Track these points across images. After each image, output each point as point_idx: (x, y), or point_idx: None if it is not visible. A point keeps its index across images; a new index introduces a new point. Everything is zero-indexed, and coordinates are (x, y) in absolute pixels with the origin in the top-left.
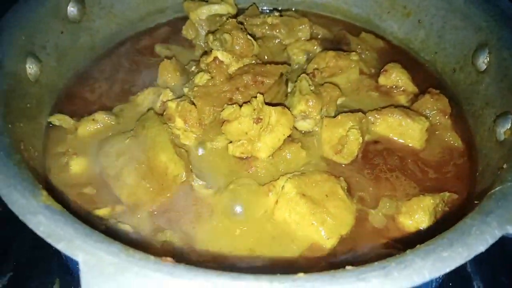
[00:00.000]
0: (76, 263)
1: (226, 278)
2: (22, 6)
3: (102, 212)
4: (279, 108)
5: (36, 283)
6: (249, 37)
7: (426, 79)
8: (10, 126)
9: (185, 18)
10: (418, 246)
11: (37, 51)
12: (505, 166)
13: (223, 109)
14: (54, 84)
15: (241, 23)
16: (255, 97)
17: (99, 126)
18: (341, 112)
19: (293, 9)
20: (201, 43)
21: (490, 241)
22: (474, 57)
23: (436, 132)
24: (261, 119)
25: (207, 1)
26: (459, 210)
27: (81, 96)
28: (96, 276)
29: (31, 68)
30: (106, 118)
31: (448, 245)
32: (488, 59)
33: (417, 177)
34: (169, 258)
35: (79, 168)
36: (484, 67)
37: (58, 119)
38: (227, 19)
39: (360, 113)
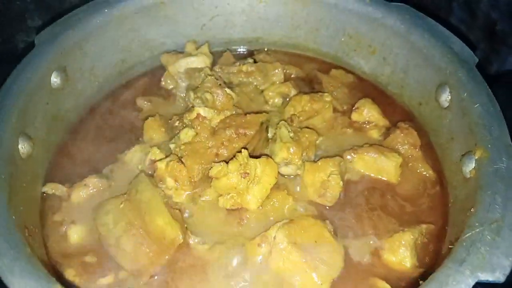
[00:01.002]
0: None
1: None
2: (11, 87)
3: (106, 280)
4: (263, 159)
5: None
6: (228, 91)
7: (396, 111)
8: (14, 216)
9: (161, 68)
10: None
11: (27, 129)
12: (472, 210)
13: (212, 167)
14: (45, 155)
15: (219, 77)
16: (240, 151)
17: (91, 191)
18: (321, 156)
19: (265, 49)
20: (181, 94)
21: None
22: (437, 94)
23: (409, 165)
24: (248, 173)
25: (182, 52)
26: (437, 240)
27: (71, 159)
28: None
29: (23, 147)
30: (97, 181)
31: None
32: (450, 97)
33: (396, 212)
34: None
35: (78, 237)
36: (446, 104)
37: (52, 188)
38: (206, 76)
39: (338, 158)
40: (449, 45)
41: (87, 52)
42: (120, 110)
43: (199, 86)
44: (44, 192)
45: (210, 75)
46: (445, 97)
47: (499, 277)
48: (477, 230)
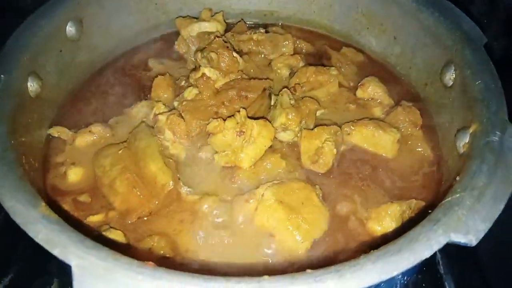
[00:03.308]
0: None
1: (199, 280)
2: (24, 30)
3: (96, 218)
4: (261, 121)
5: (36, 283)
6: (234, 54)
7: (402, 91)
8: (13, 142)
9: (177, 33)
10: (371, 251)
11: (38, 70)
12: (457, 178)
13: (209, 123)
14: (54, 99)
15: (228, 41)
16: (239, 111)
17: (95, 138)
18: (319, 125)
19: (279, 24)
20: (192, 58)
21: (435, 247)
22: (442, 73)
23: (408, 143)
24: (244, 131)
25: (197, 18)
26: (425, 217)
27: (79, 109)
28: (86, 277)
29: (32, 86)
30: (102, 130)
31: (396, 250)
32: (454, 76)
33: (387, 186)
34: (150, 262)
35: (76, 177)
36: (450, 83)
37: (57, 131)
38: (215, 37)
39: (335, 126)
40: (459, 24)
41: (104, 7)
42: (132, 69)
43: (206, 47)
44: (49, 134)
45: (218, 37)
46: (449, 76)
47: (471, 239)
48: (458, 195)
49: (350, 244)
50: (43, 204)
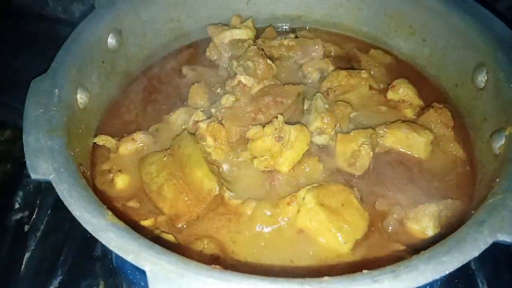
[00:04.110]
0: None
1: (266, 282)
2: (72, 44)
3: (147, 223)
4: (297, 126)
5: (84, 285)
6: (268, 61)
7: (431, 92)
8: (72, 153)
9: (207, 40)
10: (422, 252)
11: (85, 82)
12: (497, 180)
13: (248, 129)
14: (98, 108)
15: (261, 48)
16: (276, 117)
17: (138, 145)
18: (354, 128)
19: (307, 28)
20: (224, 64)
21: (483, 247)
22: (474, 75)
23: (440, 144)
24: (282, 137)
25: (228, 25)
26: (461, 216)
27: (120, 117)
28: (160, 282)
29: (81, 98)
30: (144, 137)
31: (446, 251)
32: (486, 78)
33: (423, 186)
34: (218, 266)
35: (123, 184)
36: (482, 85)
37: (103, 140)
38: (249, 45)
39: (370, 130)
40: (490, 26)
41: (141, 17)
42: (167, 76)
43: (242, 55)
44: (95, 143)
45: (252, 45)
46: (482, 78)
47: None
48: (500, 196)
49: (390, 244)
50: (110, 213)
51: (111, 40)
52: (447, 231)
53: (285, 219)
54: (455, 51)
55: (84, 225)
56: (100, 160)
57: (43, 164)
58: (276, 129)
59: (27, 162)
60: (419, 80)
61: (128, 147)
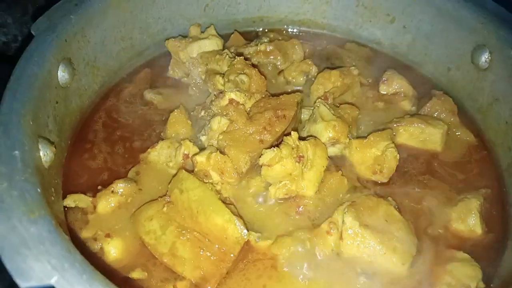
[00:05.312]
0: None
1: None
2: (18, 85)
3: None
4: (311, 140)
5: None
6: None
7: (418, 80)
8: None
9: (165, 56)
10: None
11: (43, 132)
12: None
13: (262, 154)
14: (60, 162)
15: (248, 58)
16: (288, 134)
17: (120, 198)
18: (363, 132)
19: (266, 30)
20: (196, 82)
21: None
22: (473, 57)
23: (449, 132)
24: (303, 156)
25: (186, 37)
26: (497, 204)
27: (85, 166)
28: None
29: (46, 154)
30: (125, 186)
31: None
32: (490, 58)
33: (449, 181)
34: None
35: (118, 252)
36: (486, 65)
37: (74, 200)
38: (233, 57)
39: (389, 130)
40: (482, 5)
41: (90, 40)
42: (128, 106)
43: (228, 69)
44: (65, 207)
45: (236, 56)
46: (485, 58)
47: None
48: None
49: (444, 252)
50: None
51: (62, 74)
52: (493, 226)
53: (329, 250)
54: (444, 34)
55: None
56: (78, 226)
57: (35, 264)
58: (293, 148)
59: (7, 267)
60: (402, 69)
61: (108, 203)
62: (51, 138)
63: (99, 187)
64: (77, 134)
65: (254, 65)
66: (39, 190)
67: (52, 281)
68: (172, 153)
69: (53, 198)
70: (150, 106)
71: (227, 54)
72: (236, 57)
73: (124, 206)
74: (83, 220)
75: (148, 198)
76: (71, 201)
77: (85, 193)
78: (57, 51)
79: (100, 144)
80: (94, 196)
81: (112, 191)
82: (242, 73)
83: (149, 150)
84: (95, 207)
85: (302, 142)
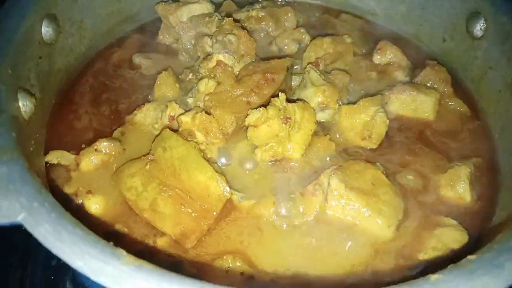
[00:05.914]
0: None
1: None
2: None
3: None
4: (300, 103)
5: None
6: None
7: (413, 51)
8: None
9: (154, 22)
10: None
11: (24, 84)
12: None
13: (248, 115)
14: (43, 118)
15: (237, 20)
16: (276, 95)
17: (104, 156)
18: (352, 99)
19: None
20: (186, 46)
21: None
22: (468, 26)
23: (442, 102)
24: (289, 118)
25: (178, 1)
26: (487, 173)
27: (70, 125)
28: None
29: (25, 105)
30: (109, 145)
31: None
32: (484, 26)
33: (440, 149)
34: None
35: (99, 208)
36: (481, 33)
37: (57, 157)
38: (222, 18)
39: (379, 96)
40: None
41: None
42: (116, 69)
43: (216, 30)
44: (47, 162)
45: (226, 17)
46: (479, 26)
47: None
48: None
49: (433, 217)
50: (124, 252)
51: (46, 29)
52: (483, 194)
53: (314, 211)
54: (438, 4)
55: (94, 278)
56: (60, 183)
57: (3, 203)
58: (280, 109)
59: None
60: (397, 40)
61: (91, 161)
62: (32, 91)
63: (83, 146)
64: (63, 95)
65: (244, 28)
66: (14, 134)
67: (19, 218)
68: (158, 115)
69: (31, 149)
70: (138, 70)
71: (216, 16)
72: (226, 18)
73: (107, 165)
74: (65, 177)
75: (133, 157)
76: (53, 157)
77: (68, 151)
78: (39, 5)
79: (86, 105)
80: (77, 153)
81: (96, 149)
82: (230, 33)
83: (135, 111)
84: (78, 164)
85: (290, 104)
